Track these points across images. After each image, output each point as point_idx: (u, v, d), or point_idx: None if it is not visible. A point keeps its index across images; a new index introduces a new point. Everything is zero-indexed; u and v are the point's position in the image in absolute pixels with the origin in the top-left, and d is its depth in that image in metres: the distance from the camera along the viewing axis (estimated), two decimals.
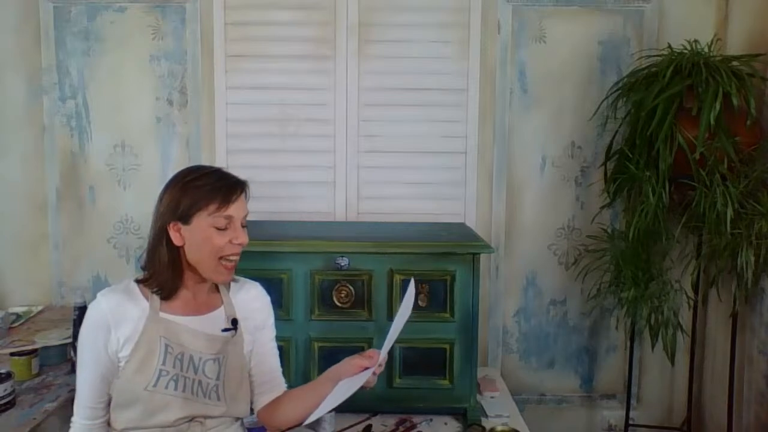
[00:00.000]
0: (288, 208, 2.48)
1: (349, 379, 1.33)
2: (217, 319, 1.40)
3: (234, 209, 1.34)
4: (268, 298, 1.52)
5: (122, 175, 2.51)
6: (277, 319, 1.90)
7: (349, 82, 2.45)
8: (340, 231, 2.18)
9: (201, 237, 1.31)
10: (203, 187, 1.33)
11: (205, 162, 2.47)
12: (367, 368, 1.33)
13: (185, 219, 1.31)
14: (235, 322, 1.41)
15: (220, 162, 2.47)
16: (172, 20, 2.46)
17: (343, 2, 2.43)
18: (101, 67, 2.48)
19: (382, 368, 1.36)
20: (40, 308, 2.47)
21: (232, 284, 1.47)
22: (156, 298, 1.35)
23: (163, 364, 1.31)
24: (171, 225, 1.32)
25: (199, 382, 1.34)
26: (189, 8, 2.45)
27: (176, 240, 1.32)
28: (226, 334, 1.39)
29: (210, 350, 1.36)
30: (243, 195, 1.37)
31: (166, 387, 1.31)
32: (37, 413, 1.71)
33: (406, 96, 2.46)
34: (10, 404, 1.73)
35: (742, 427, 2.25)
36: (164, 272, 1.34)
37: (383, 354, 1.34)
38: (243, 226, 1.37)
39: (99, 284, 2.51)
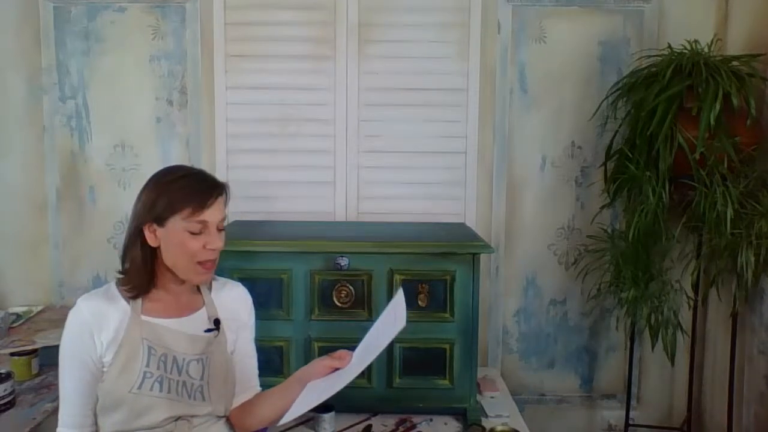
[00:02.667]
0: (288, 208, 2.48)
1: (320, 381, 1.31)
2: (199, 320, 1.40)
3: (209, 214, 1.31)
4: (250, 299, 1.52)
5: (122, 175, 2.51)
6: (277, 319, 1.92)
7: (349, 82, 2.45)
8: (340, 231, 2.18)
9: (175, 240, 1.30)
10: (179, 190, 1.30)
11: (205, 162, 2.47)
12: (337, 369, 1.32)
13: (160, 221, 1.30)
14: (217, 322, 1.40)
15: (220, 162, 2.47)
16: (172, 20, 2.46)
17: (343, 2, 2.43)
18: (101, 67, 2.47)
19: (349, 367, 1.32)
20: (40, 308, 2.47)
21: (214, 284, 1.46)
22: (137, 301, 1.34)
23: (147, 366, 1.30)
24: (146, 226, 1.31)
25: (183, 382, 1.34)
26: (189, 8, 2.45)
27: (151, 241, 1.32)
28: (208, 334, 1.39)
29: (193, 351, 1.36)
30: (219, 199, 1.34)
31: (151, 389, 1.30)
32: (37, 413, 1.71)
33: (406, 96, 2.46)
34: (10, 404, 1.73)
35: (742, 427, 2.25)
36: (137, 273, 1.33)
37: (355, 360, 1.31)
38: (220, 230, 1.35)
39: (99, 284, 2.47)
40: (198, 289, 1.43)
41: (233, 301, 1.47)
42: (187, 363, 1.35)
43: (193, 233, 1.30)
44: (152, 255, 1.33)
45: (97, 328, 1.30)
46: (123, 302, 1.34)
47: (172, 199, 1.30)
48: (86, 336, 1.30)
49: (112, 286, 1.37)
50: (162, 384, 1.31)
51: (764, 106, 2.18)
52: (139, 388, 1.29)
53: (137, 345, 1.31)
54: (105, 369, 1.30)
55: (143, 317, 1.33)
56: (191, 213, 1.29)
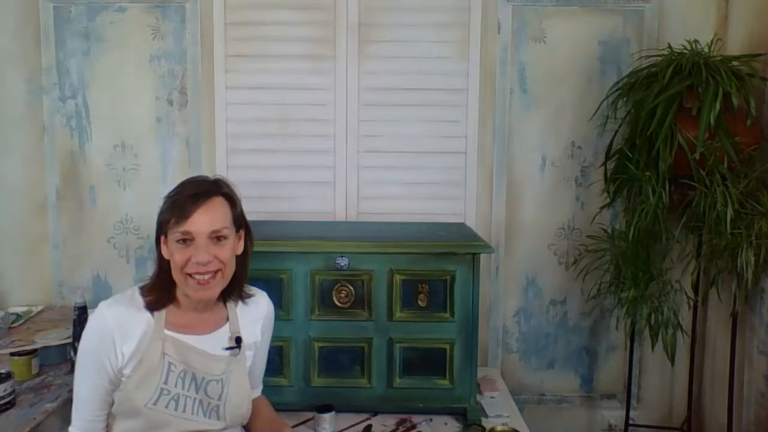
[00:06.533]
0: (288, 208, 2.48)
1: None
2: (221, 337, 1.38)
3: (191, 224, 1.26)
4: (273, 312, 1.52)
5: (122, 175, 2.51)
6: (277, 319, 1.90)
7: (349, 82, 2.45)
8: (340, 231, 2.18)
9: (170, 251, 1.29)
10: (169, 200, 1.31)
11: (204, 162, 2.48)
12: None
13: (165, 233, 1.30)
14: (238, 340, 1.39)
15: (220, 162, 2.47)
16: (172, 20, 2.46)
17: (343, 2, 2.43)
18: (101, 67, 2.47)
19: None
20: (40, 308, 2.47)
21: (242, 302, 1.44)
22: (161, 314, 1.32)
23: (165, 383, 1.29)
24: (161, 238, 1.32)
25: (200, 401, 1.33)
26: (189, 8, 2.45)
27: (164, 253, 1.31)
28: (229, 352, 1.37)
29: (214, 371, 1.34)
30: (206, 207, 1.28)
31: (167, 406, 1.29)
32: (37, 413, 1.71)
33: (406, 96, 2.46)
34: (10, 404, 1.73)
35: (742, 427, 2.25)
36: (155, 284, 1.34)
37: None
38: (218, 238, 1.29)
39: (99, 284, 2.51)
40: (224, 302, 1.41)
41: (257, 314, 1.46)
42: (206, 382, 1.33)
43: (180, 243, 1.27)
44: (167, 267, 1.32)
45: (120, 338, 1.28)
46: (147, 313, 1.32)
47: (163, 211, 1.30)
48: (108, 344, 1.27)
49: (137, 295, 1.34)
50: (178, 402, 1.30)
51: (764, 106, 2.18)
52: (155, 404, 1.28)
53: (158, 361, 1.29)
54: (123, 379, 1.28)
55: (166, 332, 1.31)
56: (175, 223, 1.27)
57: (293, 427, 1.89)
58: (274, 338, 1.91)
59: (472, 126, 2.48)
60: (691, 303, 2.33)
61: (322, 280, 1.92)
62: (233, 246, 1.33)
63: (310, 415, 1.90)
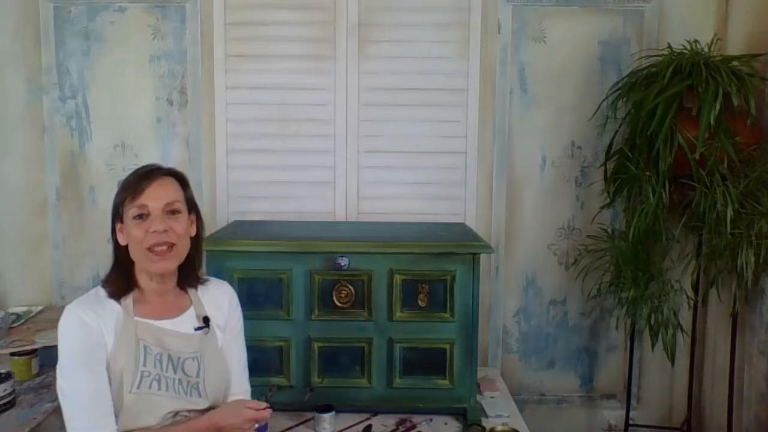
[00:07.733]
0: (288, 208, 2.48)
1: None
2: (189, 320, 1.42)
3: (147, 197, 1.33)
4: (234, 295, 1.54)
5: (122, 175, 2.46)
6: (277, 319, 1.92)
7: (349, 82, 2.45)
8: (340, 231, 2.18)
9: (128, 231, 1.34)
10: (122, 183, 1.37)
11: (204, 162, 2.48)
12: None
13: (120, 217, 1.35)
14: (207, 320, 1.43)
15: (220, 162, 2.47)
16: (172, 20, 2.46)
17: (343, 2, 2.43)
18: (101, 67, 2.47)
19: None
20: (40, 308, 2.47)
21: (200, 285, 1.48)
22: (128, 302, 1.36)
23: (144, 365, 1.32)
24: (117, 226, 1.36)
25: (179, 380, 1.36)
26: (189, 8, 2.45)
27: (120, 239, 1.36)
28: (199, 332, 1.41)
29: (188, 349, 1.38)
30: (159, 182, 1.35)
31: (150, 387, 1.32)
32: (37, 413, 1.71)
33: (406, 96, 2.46)
34: (10, 404, 1.73)
35: (742, 427, 2.25)
36: (113, 272, 1.38)
37: None
38: (173, 212, 1.35)
39: (99, 284, 2.50)
40: (185, 289, 1.45)
41: (218, 298, 1.49)
42: (182, 361, 1.37)
43: (136, 218, 1.33)
44: (126, 254, 1.36)
45: (99, 331, 1.31)
46: (114, 304, 1.36)
47: (118, 194, 1.36)
48: (96, 337, 1.30)
49: (101, 290, 1.38)
50: (160, 382, 1.33)
51: (764, 106, 2.18)
52: (138, 387, 1.30)
53: (133, 345, 1.32)
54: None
55: (136, 318, 1.35)
56: (131, 199, 1.33)
57: (293, 427, 1.89)
58: (275, 338, 1.92)
59: (472, 126, 2.48)
60: (691, 303, 2.33)
61: (322, 280, 1.92)
62: (186, 223, 1.39)
63: (310, 415, 1.90)
